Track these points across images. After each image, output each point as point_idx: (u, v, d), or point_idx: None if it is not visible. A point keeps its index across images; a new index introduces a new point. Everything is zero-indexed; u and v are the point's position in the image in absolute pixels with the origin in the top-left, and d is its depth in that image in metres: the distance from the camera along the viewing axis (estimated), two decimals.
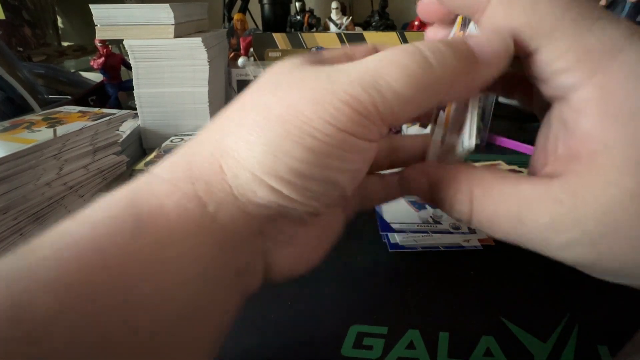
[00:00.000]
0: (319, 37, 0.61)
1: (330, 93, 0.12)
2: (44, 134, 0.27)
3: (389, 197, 0.21)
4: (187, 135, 0.44)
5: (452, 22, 0.17)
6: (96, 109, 0.33)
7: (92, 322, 0.10)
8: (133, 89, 0.49)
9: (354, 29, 0.85)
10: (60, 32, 0.99)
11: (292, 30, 0.82)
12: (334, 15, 0.79)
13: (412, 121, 0.19)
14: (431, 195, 0.15)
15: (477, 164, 0.53)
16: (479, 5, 0.13)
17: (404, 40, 0.59)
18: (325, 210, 0.15)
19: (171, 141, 0.42)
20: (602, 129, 0.11)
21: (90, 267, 0.11)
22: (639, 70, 0.11)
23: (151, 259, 0.12)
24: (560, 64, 0.12)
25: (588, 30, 0.11)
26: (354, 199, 0.20)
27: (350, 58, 0.16)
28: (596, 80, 0.11)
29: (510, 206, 0.13)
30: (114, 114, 0.31)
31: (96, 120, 0.30)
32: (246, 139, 0.13)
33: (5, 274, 0.10)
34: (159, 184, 0.13)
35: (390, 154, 0.20)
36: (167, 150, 0.38)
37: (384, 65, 0.13)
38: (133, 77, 0.49)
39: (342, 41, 0.60)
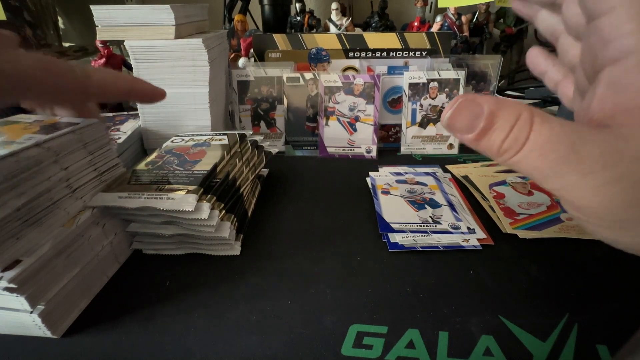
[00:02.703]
0: (319, 38, 0.61)
1: None
2: None
3: None
4: (188, 135, 0.44)
5: None
6: (56, 118, 0.33)
7: None
8: None
9: (354, 30, 0.85)
10: (61, 32, 0.99)
11: (292, 31, 0.83)
12: (333, 16, 0.80)
13: None
14: (484, 128, 0.16)
15: (477, 164, 0.53)
16: None
17: (404, 40, 0.59)
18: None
19: (172, 141, 0.43)
20: None
21: None
22: None
23: None
24: (627, 27, 0.13)
25: None
26: None
27: None
28: None
29: (568, 138, 0.14)
30: (77, 123, 0.31)
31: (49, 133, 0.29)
32: None
33: None
34: None
35: None
36: (169, 151, 0.39)
37: None
38: None
39: (341, 42, 0.60)
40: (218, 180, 0.34)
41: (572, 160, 0.14)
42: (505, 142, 0.15)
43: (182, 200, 0.30)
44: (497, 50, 0.93)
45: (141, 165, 0.36)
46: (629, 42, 0.13)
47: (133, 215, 0.32)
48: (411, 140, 0.55)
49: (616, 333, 0.24)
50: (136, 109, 0.51)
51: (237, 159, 0.39)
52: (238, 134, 0.42)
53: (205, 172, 0.33)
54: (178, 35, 0.48)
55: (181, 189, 0.30)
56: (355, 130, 0.55)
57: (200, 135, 0.44)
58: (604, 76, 0.14)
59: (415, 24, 0.88)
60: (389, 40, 0.59)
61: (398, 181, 0.45)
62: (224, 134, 0.42)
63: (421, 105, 0.55)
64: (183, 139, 0.43)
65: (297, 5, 0.83)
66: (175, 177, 0.33)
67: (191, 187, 0.31)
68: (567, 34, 0.18)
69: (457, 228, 0.36)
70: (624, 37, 0.13)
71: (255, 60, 0.62)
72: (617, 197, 0.13)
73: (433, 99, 0.54)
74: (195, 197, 0.30)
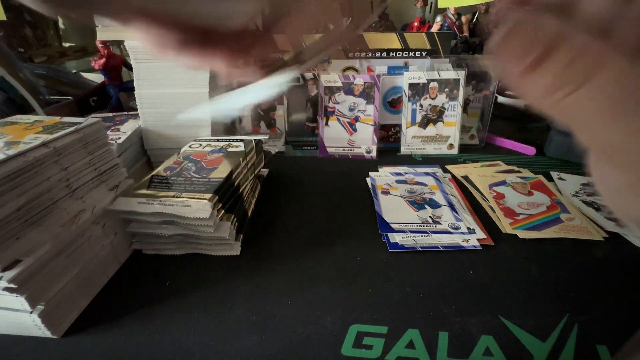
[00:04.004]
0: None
1: None
2: None
3: None
4: (205, 140, 0.44)
5: None
6: (57, 118, 0.32)
7: None
8: (134, 90, 0.49)
9: None
10: (61, 33, 0.99)
11: None
12: None
13: None
14: (542, 55, 0.12)
15: (477, 165, 0.53)
16: None
17: (404, 41, 0.59)
18: None
19: (190, 146, 0.43)
20: None
21: None
22: None
23: None
24: None
25: None
26: None
27: None
28: None
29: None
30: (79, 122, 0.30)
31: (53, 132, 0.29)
32: None
33: None
34: None
35: None
36: (186, 157, 0.39)
37: None
38: (134, 78, 0.49)
39: None
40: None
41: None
42: (564, 75, 0.12)
43: (198, 208, 0.30)
44: None
45: (159, 170, 0.36)
46: None
47: (140, 216, 0.32)
48: (411, 140, 0.55)
49: (616, 333, 0.24)
50: (136, 109, 0.51)
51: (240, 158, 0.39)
52: (254, 140, 0.43)
53: (221, 179, 0.34)
54: None
55: (197, 197, 0.31)
56: (355, 130, 0.55)
57: (218, 140, 0.45)
58: None
59: (415, 24, 0.88)
60: (389, 40, 0.59)
61: (398, 181, 0.45)
62: (241, 140, 0.43)
63: (421, 106, 0.55)
64: (200, 144, 0.44)
65: None
66: (193, 184, 0.33)
67: (207, 195, 0.31)
68: None
69: (457, 228, 0.36)
70: None
71: None
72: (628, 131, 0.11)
73: (433, 99, 0.54)
74: (211, 204, 0.31)
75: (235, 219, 0.34)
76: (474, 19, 0.87)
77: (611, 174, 0.13)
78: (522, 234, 0.34)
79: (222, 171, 0.36)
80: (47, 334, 0.26)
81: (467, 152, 0.55)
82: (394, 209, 0.39)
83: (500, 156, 0.53)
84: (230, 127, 0.60)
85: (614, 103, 0.11)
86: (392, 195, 0.42)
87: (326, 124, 0.55)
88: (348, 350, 0.24)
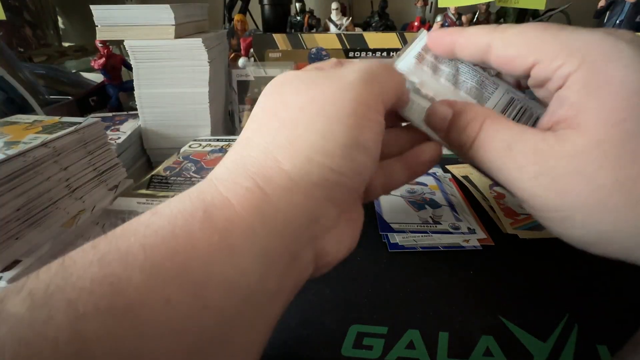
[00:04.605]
0: (319, 38, 0.61)
1: (347, 86, 0.17)
2: None
3: (406, 177, 0.25)
4: (205, 140, 0.44)
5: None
6: (56, 118, 0.32)
7: (170, 299, 0.12)
8: (134, 90, 0.49)
9: (354, 30, 0.85)
10: (61, 32, 0.99)
11: (292, 31, 0.82)
12: (334, 16, 0.79)
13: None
14: (450, 124, 0.20)
15: None
16: (484, 50, 0.19)
17: (404, 40, 0.59)
18: (362, 186, 0.19)
19: (189, 146, 0.43)
20: (583, 97, 0.16)
21: (169, 254, 0.12)
22: (613, 56, 0.15)
23: (219, 247, 0.13)
24: (557, 62, 0.16)
25: (567, 38, 0.16)
26: (377, 182, 0.25)
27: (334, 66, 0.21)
28: (582, 67, 0.16)
29: (505, 136, 0.17)
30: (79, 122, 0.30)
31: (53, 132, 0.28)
32: (297, 133, 0.16)
33: (100, 256, 0.12)
34: (221, 183, 0.16)
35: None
36: (186, 157, 0.39)
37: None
38: (134, 78, 0.49)
39: (342, 42, 0.60)
40: None
41: (507, 156, 0.17)
42: (461, 138, 0.19)
43: None
44: None
45: (159, 170, 0.36)
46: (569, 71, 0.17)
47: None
48: None
49: (616, 333, 0.24)
50: (135, 109, 0.51)
51: None
52: None
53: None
54: (178, 35, 0.48)
55: None
56: None
57: (217, 140, 0.44)
58: (555, 95, 0.18)
59: (416, 23, 0.88)
60: (389, 40, 0.59)
61: None
62: None
63: None
64: (200, 144, 0.44)
65: (297, 5, 0.82)
66: (192, 184, 0.33)
67: None
68: None
69: (457, 228, 0.36)
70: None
71: (255, 60, 0.62)
72: (548, 187, 0.16)
73: None
74: None
75: None
76: (475, 19, 0.87)
77: (529, 212, 0.18)
78: (523, 234, 0.34)
79: None
80: None
81: None
82: (394, 209, 0.39)
83: None
84: (230, 127, 0.60)
85: (495, 154, 0.18)
86: (393, 195, 0.42)
87: None
88: (348, 351, 0.24)
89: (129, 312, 0.11)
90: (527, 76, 0.18)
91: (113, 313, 0.11)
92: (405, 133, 0.24)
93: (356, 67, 0.18)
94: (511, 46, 0.18)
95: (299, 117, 0.16)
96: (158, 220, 0.14)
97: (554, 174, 0.15)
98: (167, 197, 0.31)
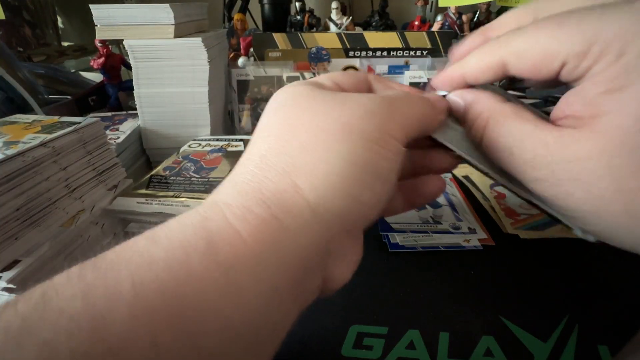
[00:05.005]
0: (319, 37, 0.61)
1: (373, 112, 0.16)
2: None
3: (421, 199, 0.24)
4: (205, 140, 0.44)
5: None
6: (56, 117, 0.32)
7: (157, 342, 0.11)
8: (133, 89, 0.49)
9: (354, 29, 0.85)
10: (60, 32, 0.99)
11: (292, 30, 0.82)
12: (334, 16, 0.79)
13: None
14: (463, 118, 0.19)
15: None
16: (500, 68, 0.18)
17: (404, 40, 0.59)
18: (377, 216, 0.18)
19: (189, 146, 0.43)
20: (605, 98, 0.14)
21: (162, 291, 0.11)
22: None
23: (221, 285, 0.12)
24: (588, 62, 0.15)
25: (594, 28, 0.14)
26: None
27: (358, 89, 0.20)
28: (620, 61, 0.14)
29: (507, 142, 0.17)
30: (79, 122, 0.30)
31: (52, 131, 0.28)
32: (319, 156, 0.15)
33: (86, 290, 0.11)
34: (229, 209, 0.14)
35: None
36: (186, 156, 0.39)
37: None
38: (133, 77, 0.49)
39: (342, 41, 0.60)
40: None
41: (510, 161, 0.17)
42: (471, 134, 0.19)
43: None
44: None
45: (159, 170, 0.36)
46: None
47: (139, 216, 0.32)
48: None
49: (617, 333, 0.24)
50: (135, 109, 0.51)
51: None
52: None
53: (221, 179, 0.34)
54: (177, 35, 0.47)
55: (196, 197, 0.31)
56: None
57: (217, 140, 0.44)
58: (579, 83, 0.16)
59: (416, 23, 0.88)
60: (390, 39, 0.59)
61: None
62: (241, 140, 0.43)
63: None
64: (200, 144, 0.44)
65: (297, 4, 0.82)
66: (192, 184, 0.33)
67: (207, 196, 0.31)
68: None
69: (457, 228, 0.35)
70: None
71: (254, 60, 0.61)
72: (547, 190, 0.16)
73: None
74: None
75: None
76: (475, 18, 0.86)
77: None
78: (524, 234, 0.34)
79: (221, 171, 0.36)
80: None
81: None
82: None
83: None
84: (230, 127, 0.60)
85: (502, 152, 0.17)
86: None
87: None
88: (348, 351, 0.24)
89: (109, 358, 0.10)
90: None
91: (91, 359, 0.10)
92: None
93: (380, 94, 0.17)
94: (526, 59, 0.16)
95: (322, 139, 0.15)
96: (154, 249, 0.12)
97: (553, 179, 0.15)
98: (166, 197, 0.31)
